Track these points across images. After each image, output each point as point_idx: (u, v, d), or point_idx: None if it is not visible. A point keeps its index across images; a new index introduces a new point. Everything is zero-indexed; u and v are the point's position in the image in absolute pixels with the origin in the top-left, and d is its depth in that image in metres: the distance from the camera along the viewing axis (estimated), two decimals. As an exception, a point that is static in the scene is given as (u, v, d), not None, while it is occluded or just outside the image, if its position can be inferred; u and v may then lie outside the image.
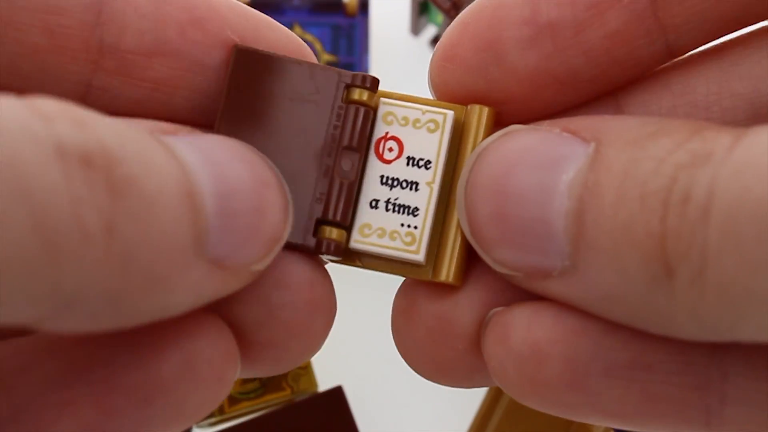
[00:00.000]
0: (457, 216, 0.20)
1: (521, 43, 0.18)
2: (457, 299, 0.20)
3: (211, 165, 0.17)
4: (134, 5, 0.19)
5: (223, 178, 0.17)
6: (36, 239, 0.14)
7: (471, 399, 0.49)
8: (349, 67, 0.52)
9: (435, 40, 0.54)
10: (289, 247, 0.19)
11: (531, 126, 0.18)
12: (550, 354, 0.18)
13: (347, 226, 0.20)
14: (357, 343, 0.50)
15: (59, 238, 0.14)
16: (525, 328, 0.18)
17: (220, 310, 0.18)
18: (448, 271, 0.20)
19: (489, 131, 0.20)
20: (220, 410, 0.46)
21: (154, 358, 0.17)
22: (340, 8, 0.52)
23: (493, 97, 0.19)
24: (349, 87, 0.20)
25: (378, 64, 0.54)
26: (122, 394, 0.17)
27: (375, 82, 0.20)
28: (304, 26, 0.52)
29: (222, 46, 0.19)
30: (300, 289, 0.19)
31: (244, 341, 0.19)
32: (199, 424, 0.46)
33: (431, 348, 0.21)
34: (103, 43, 0.19)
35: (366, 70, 0.52)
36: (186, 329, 0.18)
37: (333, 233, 0.19)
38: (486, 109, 0.19)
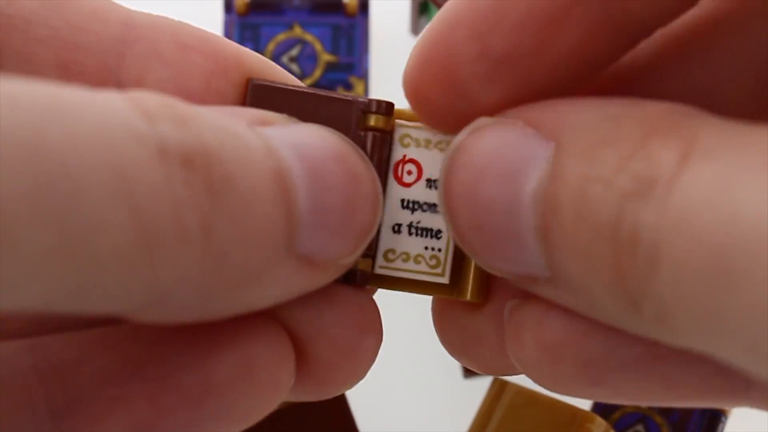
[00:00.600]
0: None
1: (481, 79, 0.18)
2: (481, 312, 0.20)
3: (305, 159, 0.17)
4: (158, 50, 0.18)
5: (317, 173, 0.17)
6: (136, 238, 0.14)
7: (471, 399, 0.49)
8: (349, 67, 0.52)
9: (435, 40, 0.54)
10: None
11: (497, 120, 0.18)
12: (564, 356, 0.18)
13: (372, 254, 0.20)
14: (357, 343, 0.50)
15: (158, 237, 0.14)
16: (536, 330, 0.18)
17: (276, 319, 0.18)
18: (471, 290, 0.20)
19: None
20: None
21: (210, 359, 0.17)
22: (340, 8, 0.52)
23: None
24: (364, 113, 0.20)
25: (378, 64, 0.54)
26: (176, 393, 0.17)
27: (390, 107, 0.20)
28: (304, 26, 0.52)
29: (241, 92, 0.19)
30: (350, 309, 0.19)
31: (296, 356, 0.19)
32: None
33: (466, 351, 0.21)
34: (121, 87, 0.18)
35: (366, 70, 0.52)
36: (244, 331, 0.18)
37: (359, 263, 0.19)
38: None
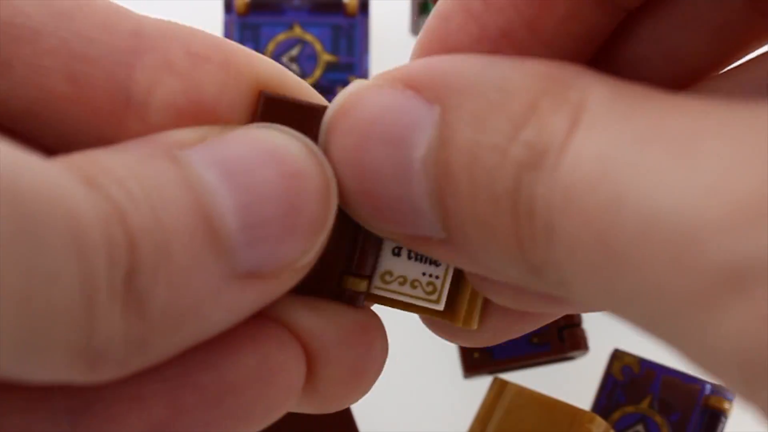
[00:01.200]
0: None
1: None
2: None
3: (231, 176, 0.16)
4: (169, 61, 0.18)
5: (245, 187, 0.16)
6: (80, 297, 0.14)
7: (471, 399, 0.49)
8: (349, 67, 0.52)
9: (435, 40, 0.54)
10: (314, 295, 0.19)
11: (374, 83, 0.18)
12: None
13: (369, 275, 0.20)
14: (357, 343, 0.50)
15: (96, 296, 0.14)
16: None
17: (288, 327, 0.18)
18: (465, 317, 0.20)
19: None
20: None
21: (228, 360, 0.17)
22: (340, 8, 0.52)
23: None
24: None
25: (378, 64, 0.54)
26: (194, 393, 0.17)
27: None
28: (304, 26, 0.52)
29: (253, 102, 0.19)
30: (354, 329, 0.19)
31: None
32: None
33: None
34: (130, 98, 0.18)
35: (366, 70, 0.52)
36: (261, 334, 0.18)
37: (356, 284, 0.19)
38: None
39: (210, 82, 0.18)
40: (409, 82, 0.17)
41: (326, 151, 0.18)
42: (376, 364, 0.19)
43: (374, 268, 0.20)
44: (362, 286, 0.19)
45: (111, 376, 0.16)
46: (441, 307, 0.20)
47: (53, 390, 0.16)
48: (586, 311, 0.16)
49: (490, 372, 0.49)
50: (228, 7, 0.52)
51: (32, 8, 0.17)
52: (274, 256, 0.17)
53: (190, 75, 0.18)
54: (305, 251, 0.17)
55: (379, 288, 0.20)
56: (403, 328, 0.50)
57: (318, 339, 0.18)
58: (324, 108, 0.19)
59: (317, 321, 0.18)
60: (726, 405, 0.46)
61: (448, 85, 0.17)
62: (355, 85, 0.18)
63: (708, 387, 0.47)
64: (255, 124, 0.18)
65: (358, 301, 0.19)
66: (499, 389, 0.46)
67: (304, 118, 0.19)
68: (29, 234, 0.13)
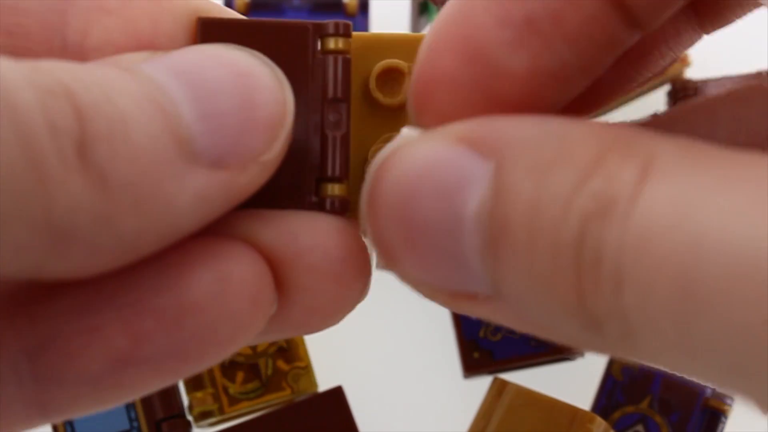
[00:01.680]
0: None
1: (508, 45, 0.17)
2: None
3: (182, 74, 0.17)
4: (100, 2, 0.19)
5: (198, 83, 0.17)
6: (25, 163, 0.14)
7: (471, 399, 0.49)
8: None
9: (435, 40, 0.54)
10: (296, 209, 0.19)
11: (426, 136, 0.17)
12: None
13: (346, 179, 0.19)
14: (357, 343, 0.50)
15: (44, 164, 0.14)
16: None
17: (249, 243, 0.18)
18: None
19: None
20: (220, 410, 0.46)
21: (183, 279, 0.17)
22: (340, 8, 0.52)
23: (489, 110, 0.18)
24: (323, 37, 0.19)
25: (378, 64, 0.54)
26: (152, 318, 0.17)
27: (347, 27, 0.19)
28: (304, 26, 0.52)
29: (190, 34, 0.19)
30: (328, 234, 0.19)
31: (276, 282, 0.18)
32: (198, 424, 0.46)
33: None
34: (66, 42, 0.19)
35: (366, 70, 0.52)
36: (216, 251, 0.18)
37: (335, 189, 0.19)
38: None
39: (144, 16, 0.19)
40: (461, 137, 0.17)
41: (371, 203, 0.18)
42: (354, 273, 0.19)
43: (348, 170, 0.19)
44: (343, 190, 0.19)
45: (78, 262, 0.15)
46: None
47: (5, 333, 0.16)
48: (647, 363, 0.16)
49: (490, 372, 0.49)
50: (228, 7, 0.52)
51: None
52: (237, 147, 0.17)
53: (122, 12, 0.19)
54: (267, 145, 0.17)
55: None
56: (403, 329, 0.50)
57: (282, 251, 0.18)
58: (264, 22, 0.19)
59: (277, 235, 0.18)
60: (726, 405, 0.47)
61: (503, 140, 0.16)
62: (403, 137, 0.18)
63: (708, 387, 0.47)
64: (201, 45, 0.18)
65: (340, 207, 0.19)
66: (499, 389, 0.46)
67: (243, 36, 0.19)
68: None
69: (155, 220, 0.16)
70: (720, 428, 0.47)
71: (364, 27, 0.52)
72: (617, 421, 0.48)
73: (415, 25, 0.54)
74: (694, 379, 0.15)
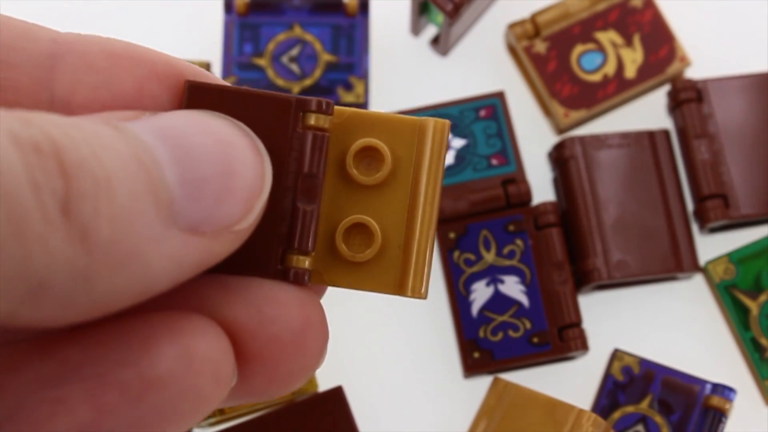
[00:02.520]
0: (419, 222, 0.20)
1: None
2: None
3: (168, 138, 0.17)
4: (88, 61, 0.19)
5: (182, 147, 0.17)
6: (5, 218, 0.14)
7: (471, 399, 0.49)
8: (349, 67, 0.52)
9: (435, 40, 0.54)
10: (262, 277, 0.19)
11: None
12: None
13: (311, 252, 0.20)
14: (357, 343, 0.50)
15: (25, 219, 0.15)
16: None
17: (213, 316, 0.18)
18: (413, 285, 0.20)
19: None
20: (220, 410, 0.46)
21: (148, 354, 0.17)
22: (340, 8, 0.52)
23: None
24: (305, 113, 0.20)
25: (378, 64, 0.54)
26: (116, 391, 0.17)
27: (329, 105, 0.20)
28: (304, 26, 0.52)
29: (175, 96, 0.20)
30: (290, 305, 0.19)
31: (237, 353, 0.19)
32: (199, 424, 0.46)
33: None
34: (54, 99, 0.19)
35: (366, 70, 0.52)
36: (180, 325, 0.18)
37: (299, 261, 0.20)
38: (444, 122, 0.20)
39: (130, 76, 0.19)
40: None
41: None
42: (315, 342, 0.19)
43: (314, 245, 0.20)
44: (306, 262, 0.20)
45: (51, 313, 0.16)
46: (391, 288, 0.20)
47: None
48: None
49: (490, 372, 0.49)
50: (228, 7, 0.52)
51: None
52: (214, 215, 0.17)
53: (110, 72, 0.19)
54: (243, 215, 0.18)
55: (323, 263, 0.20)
56: (403, 328, 0.50)
57: (245, 322, 0.19)
58: (249, 92, 0.19)
59: (241, 307, 0.19)
60: (726, 405, 0.47)
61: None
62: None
63: (708, 387, 0.47)
64: (187, 111, 0.19)
65: (303, 279, 0.20)
66: (499, 389, 0.46)
67: (229, 103, 0.19)
68: None
69: (130, 279, 0.16)
70: (720, 428, 0.47)
71: (364, 27, 0.52)
72: (617, 421, 0.48)
73: (415, 26, 0.54)
74: None
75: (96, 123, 0.17)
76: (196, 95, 0.19)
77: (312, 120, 0.20)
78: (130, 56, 0.19)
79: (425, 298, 0.20)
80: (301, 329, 0.19)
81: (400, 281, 0.20)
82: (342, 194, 0.20)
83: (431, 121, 0.20)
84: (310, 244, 0.20)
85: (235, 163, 0.18)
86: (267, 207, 0.19)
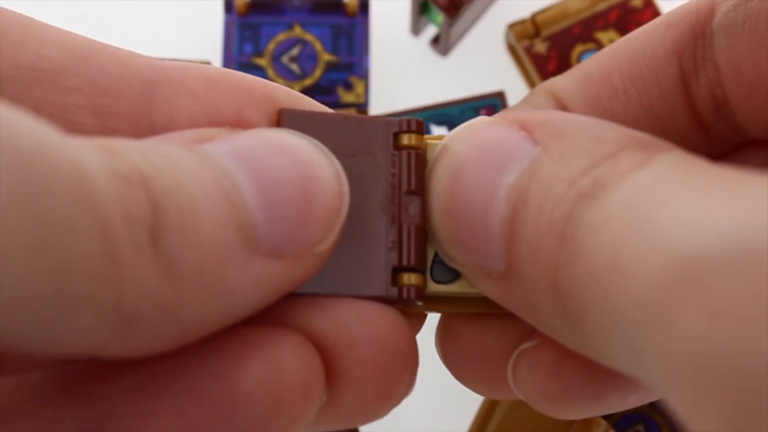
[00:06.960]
0: None
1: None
2: (492, 333, 0.21)
3: (245, 160, 0.17)
4: (187, 87, 0.19)
5: (261, 171, 0.17)
6: (101, 250, 0.14)
7: (471, 399, 0.49)
8: (349, 67, 0.52)
9: (435, 40, 0.54)
10: (373, 299, 0.19)
11: (494, 119, 0.19)
12: (563, 401, 0.19)
13: (423, 269, 0.20)
14: (357, 343, 0.50)
15: (119, 250, 0.14)
16: (540, 380, 0.19)
17: (302, 333, 0.18)
18: None
19: None
20: None
21: (238, 368, 0.17)
22: (340, 8, 0.52)
23: None
24: (397, 134, 0.20)
25: (378, 64, 0.54)
26: (205, 406, 0.17)
27: (420, 125, 0.20)
28: (304, 26, 0.52)
29: (273, 123, 0.20)
30: (382, 327, 0.19)
31: (326, 372, 0.18)
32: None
33: (465, 369, 0.22)
34: (154, 125, 0.19)
35: (366, 70, 0.52)
36: (270, 340, 0.17)
37: (411, 279, 0.19)
38: None
39: (228, 102, 0.19)
40: (523, 123, 0.18)
41: (434, 171, 0.19)
42: (404, 368, 0.19)
43: (424, 261, 0.20)
44: (419, 279, 0.20)
45: (139, 345, 0.16)
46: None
47: (61, 412, 0.16)
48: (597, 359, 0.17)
49: (490, 372, 0.49)
50: (228, 6, 0.52)
51: (53, 52, 0.18)
52: (295, 237, 0.17)
53: (208, 98, 0.19)
54: (323, 237, 0.18)
55: (433, 285, 0.20)
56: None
57: (335, 341, 0.18)
58: (342, 117, 0.20)
59: (331, 325, 0.18)
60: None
61: (554, 131, 0.18)
62: (478, 118, 0.19)
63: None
64: (262, 129, 0.19)
65: (418, 296, 0.20)
66: (499, 389, 0.46)
67: (324, 130, 0.19)
68: (31, 184, 0.13)
69: (215, 306, 0.16)
70: (720, 428, 0.46)
71: (364, 27, 0.52)
72: (617, 421, 0.48)
73: (415, 26, 0.54)
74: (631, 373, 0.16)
75: (175, 147, 0.17)
76: (291, 123, 0.19)
77: (405, 140, 0.20)
78: (228, 83, 0.19)
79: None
80: (393, 351, 0.19)
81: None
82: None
83: None
84: (419, 260, 0.20)
85: (313, 184, 0.18)
86: (361, 227, 0.19)
